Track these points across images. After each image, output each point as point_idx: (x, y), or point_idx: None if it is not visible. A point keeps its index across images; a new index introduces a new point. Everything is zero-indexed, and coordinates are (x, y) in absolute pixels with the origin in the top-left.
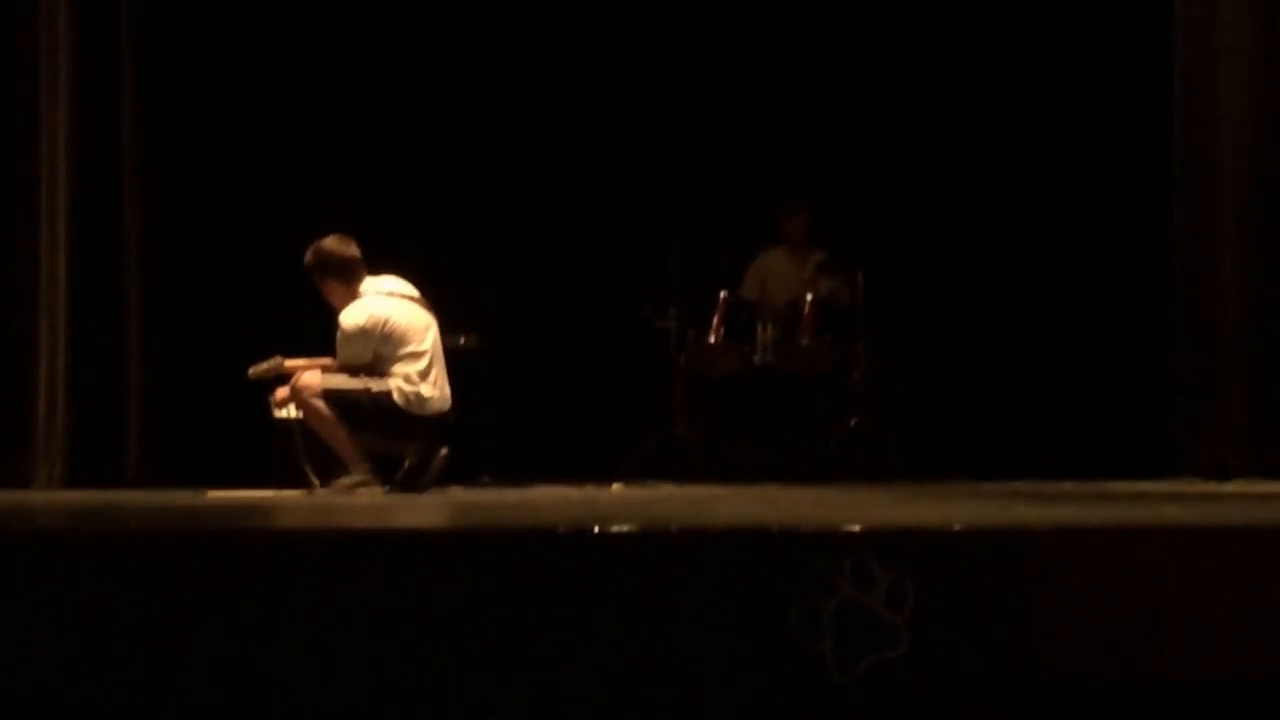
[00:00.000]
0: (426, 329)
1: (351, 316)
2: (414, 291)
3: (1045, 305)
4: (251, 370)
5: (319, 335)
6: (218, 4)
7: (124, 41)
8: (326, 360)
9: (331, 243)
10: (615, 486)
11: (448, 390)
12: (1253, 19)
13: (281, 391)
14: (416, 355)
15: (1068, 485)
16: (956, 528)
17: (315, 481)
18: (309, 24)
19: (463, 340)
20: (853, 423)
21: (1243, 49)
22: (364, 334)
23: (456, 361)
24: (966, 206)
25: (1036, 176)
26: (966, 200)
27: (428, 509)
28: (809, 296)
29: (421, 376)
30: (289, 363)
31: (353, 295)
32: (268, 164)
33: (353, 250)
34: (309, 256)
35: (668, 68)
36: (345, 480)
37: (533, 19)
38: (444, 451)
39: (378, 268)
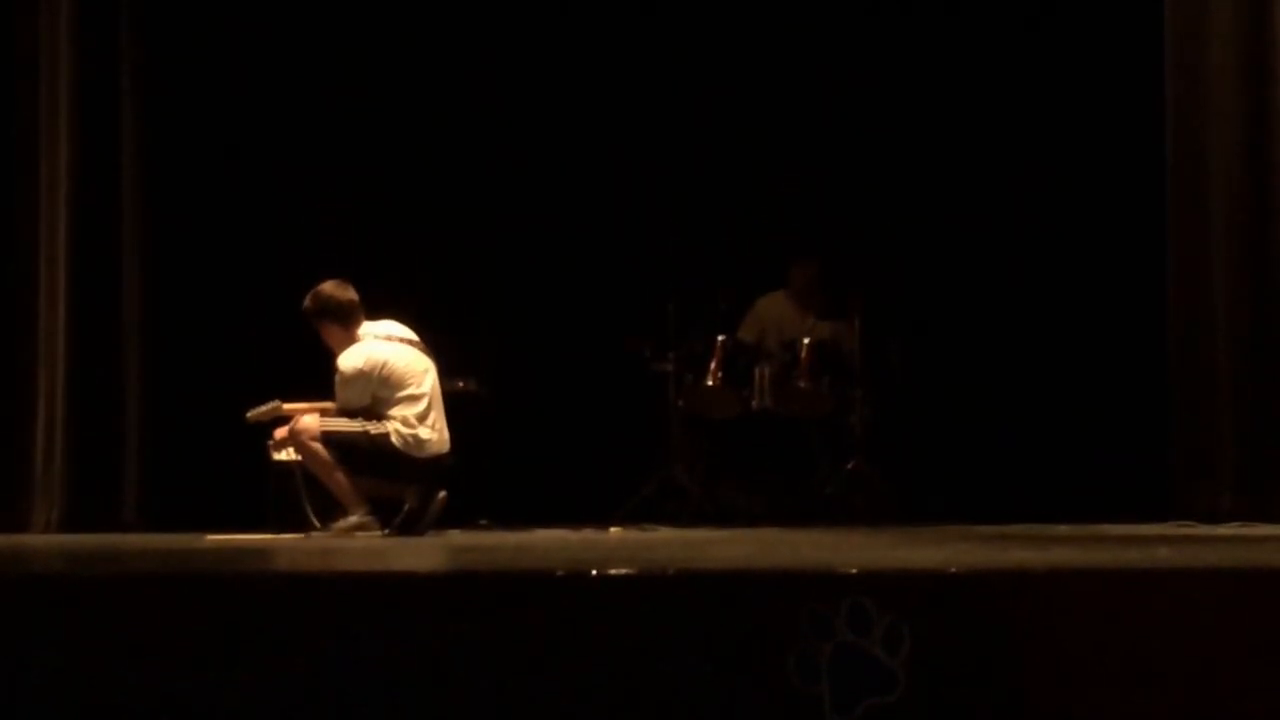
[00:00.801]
0: (425, 372)
1: (350, 359)
2: (412, 335)
3: (1039, 350)
4: (249, 414)
5: (316, 379)
6: (222, 54)
7: (124, 94)
8: (325, 404)
9: (330, 287)
10: (613, 529)
11: (446, 434)
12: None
13: (280, 432)
14: (415, 398)
15: (1062, 529)
16: (953, 570)
17: (315, 524)
18: (307, 72)
19: (461, 384)
20: (850, 466)
21: (1232, 116)
22: (362, 376)
23: (455, 405)
24: (961, 253)
25: (1029, 225)
26: (961, 247)
27: (426, 552)
28: (806, 340)
29: (420, 419)
30: (287, 406)
31: (351, 339)
32: (267, 210)
33: (350, 294)
34: (308, 301)
35: (664, 116)
36: (344, 523)
37: (532, 64)
38: (442, 494)
39: (377, 313)
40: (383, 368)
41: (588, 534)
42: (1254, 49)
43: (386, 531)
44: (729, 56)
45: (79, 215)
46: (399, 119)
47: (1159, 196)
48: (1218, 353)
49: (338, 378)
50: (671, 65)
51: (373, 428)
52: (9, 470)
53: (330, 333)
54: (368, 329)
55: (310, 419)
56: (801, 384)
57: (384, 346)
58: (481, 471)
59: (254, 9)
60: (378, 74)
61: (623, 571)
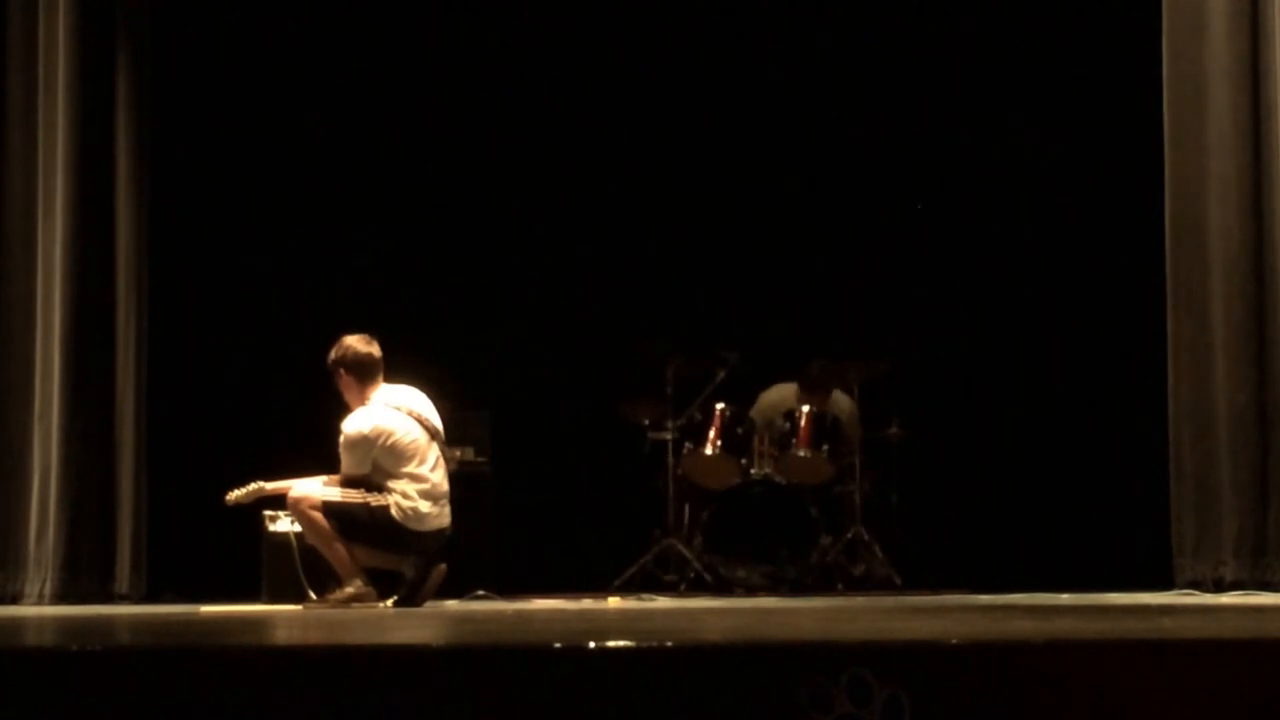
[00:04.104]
0: (430, 449)
1: (355, 424)
2: (426, 408)
3: (1042, 420)
4: (229, 496)
5: (309, 452)
6: (219, 119)
7: (120, 160)
8: (307, 479)
9: (353, 339)
10: (612, 600)
11: (448, 509)
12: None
13: (295, 491)
14: (417, 478)
15: (1064, 598)
16: (953, 641)
17: (310, 595)
18: (297, 161)
19: (459, 454)
20: (849, 535)
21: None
22: (365, 442)
23: (453, 475)
24: (960, 325)
25: (1032, 296)
26: (960, 319)
27: (423, 623)
28: (805, 409)
29: (421, 495)
30: (269, 486)
31: (363, 398)
32: (266, 283)
33: (371, 351)
34: (332, 350)
35: (661, 187)
36: (340, 594)
37: (534, 132)
38: (441, 566)
39: (398, 377)
40: (388, 439)
41: (586, 604)
42: (1253, 124)
43: (385, 603)
44: (725, 129)
45: (75, 287)
46: (397, 193)
47: (1159, 271)
48: (1218, 424)
49: (341, 440)
50: (671, 146)
51: (373, 500)
52: (2, 543)
53: (346, 385)
54: (382, 394)
55: (311, 488)
56: (801, 453)
57: (393, 417)
58: (479, 541)
59: (250, 81)
60: (373, 148)
61: (621, 644)
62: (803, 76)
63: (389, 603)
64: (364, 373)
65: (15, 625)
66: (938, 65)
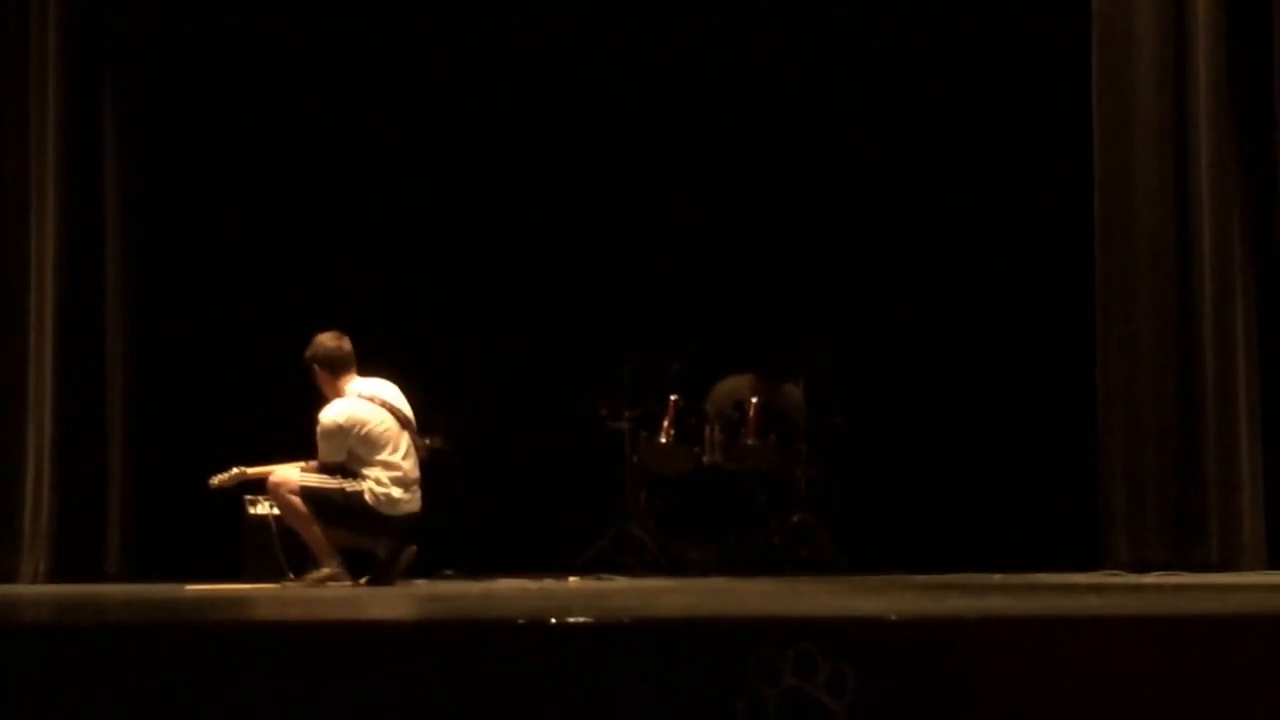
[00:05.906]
0: (402, 438)
1: (330, 414)
2: (398, 399)
3: (976, 409)
4: (213, 480)
5: (291, 438)
6: (205, 118)
7: (108, 157)
8: (286, 465)
9: (325, 336)
10: (572, 579)
11: (419, 494)
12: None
13: (274, 476)
14: (389, 465)
15: (997, 577)
16: (893, 618)
17: (289, 574)
18: (280, 152)
19: (428, 441)
20: (795, 519)
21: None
22: (340, 432)
23: (423, 462)
24: (900, 316)
25: (962, 292)
26: (900, 310)
27: (395, 601)
28: (754, 399)
29: (394, 482)
30: (250, 471)
31: (338, 390)
32: (248, 276)
33: (342, 346)
34: (307, 348)
35: (621, 189)
36: (316, 574)
37: (501, 137)
38: (412, 548)
39: (370, 370)
40: (362, 428)
41: (547, 584)
42: (1178, 130)
43: (358, 582)
44: (678, 134)
45: (65, 281)
46: (373, 190)
47: (1088, 266)
48: (1144, 413)
49: (318, 429)
50: (626, 149)
51: (348, 485)
52: None
53: (321, 379)
54: (356, 386)
55: (289, 473)
56: (749, 441)
57: (366, 408)
58: (447, 524)
59: (234, 82)
60: (349, 148)
61: (580, 620)
62: (755, 78)
63: (362, 582)
64: (336, 366)
65: (11, 602)
66: (875, 68)
